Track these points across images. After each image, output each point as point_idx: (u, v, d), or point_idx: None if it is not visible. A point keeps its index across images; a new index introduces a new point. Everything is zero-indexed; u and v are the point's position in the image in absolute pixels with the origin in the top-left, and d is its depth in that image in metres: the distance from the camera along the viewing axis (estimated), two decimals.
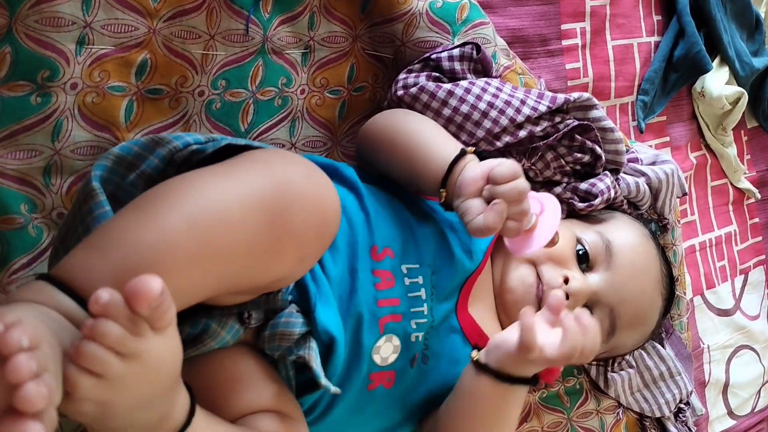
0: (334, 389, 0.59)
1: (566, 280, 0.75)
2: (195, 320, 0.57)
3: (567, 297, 0.74)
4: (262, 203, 0.50)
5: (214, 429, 0.54)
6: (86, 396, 0.40)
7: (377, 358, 0.67)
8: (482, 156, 0.68)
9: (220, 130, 0.75)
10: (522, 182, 0.61)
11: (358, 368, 0.65)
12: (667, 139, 1.19)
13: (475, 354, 0.68)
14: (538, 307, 0.75)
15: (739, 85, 1.22)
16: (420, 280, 0.70)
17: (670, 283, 0.90)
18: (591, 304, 0.78)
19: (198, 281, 0.48)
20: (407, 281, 0.69)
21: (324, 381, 0.59)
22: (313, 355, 0.59)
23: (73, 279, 0.45)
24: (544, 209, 0.66)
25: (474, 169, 0.63)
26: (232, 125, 0.75)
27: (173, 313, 0.42)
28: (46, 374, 0.37)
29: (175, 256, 0.46)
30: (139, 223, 0.47)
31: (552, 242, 0.64)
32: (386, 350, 0.67)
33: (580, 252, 0.79)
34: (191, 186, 0.50)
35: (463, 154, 0.67)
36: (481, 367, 0.67)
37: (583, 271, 0.78)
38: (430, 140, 0.71)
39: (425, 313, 0.70)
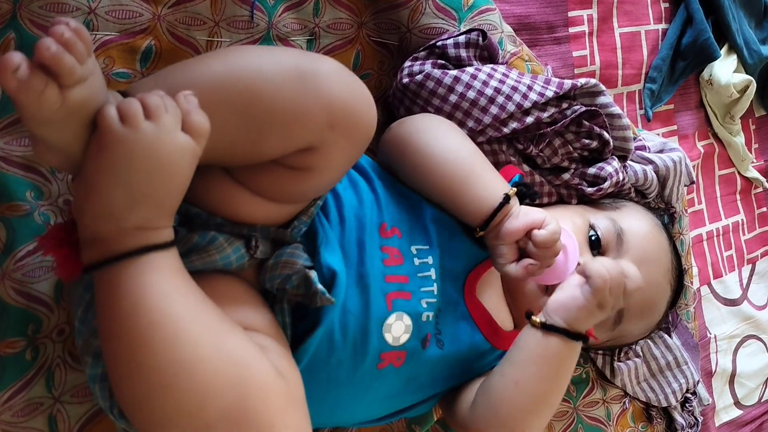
0: (328, 297, 0.60)
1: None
2: (205, 231, 0.58)
3: None
4: (297, 63, 0.55)
5: (187, 285, 0.52)
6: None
7: (389, 337, 0.67)
8: (522, 193, 0.72)
9: None
10: (558, 245, 0.68)
11: (367, 343, 0.65)
12: (675, 127, 1.19)
13: (536, 318, 0.68)
14: (545, 294, 0.75)
15: (747, 73, 1.21)
16: (429, 260, 0.70)
17: (679, 275, 0.89)
18: None
19: (229, 120, 0.53)
20: (417, 261, 0.70)
21: (319, 286, 0.59)
22: (312, 274, 0.60)
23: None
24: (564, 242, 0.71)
25: (516, 223, 0.68)
26: None
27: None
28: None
29: (211, 85, 0.53)
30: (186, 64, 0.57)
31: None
32: (398, 329, 0.67)
33: (593, 238, 0.79)
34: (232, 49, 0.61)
35: (506, 200, 0.69)
36: (549, 328, 0.67)
37: (595, 257, 0.78)
38: (473, 178, 0.71)
39: (435, 293, 0.70)
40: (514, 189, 0.70)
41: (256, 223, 0.61)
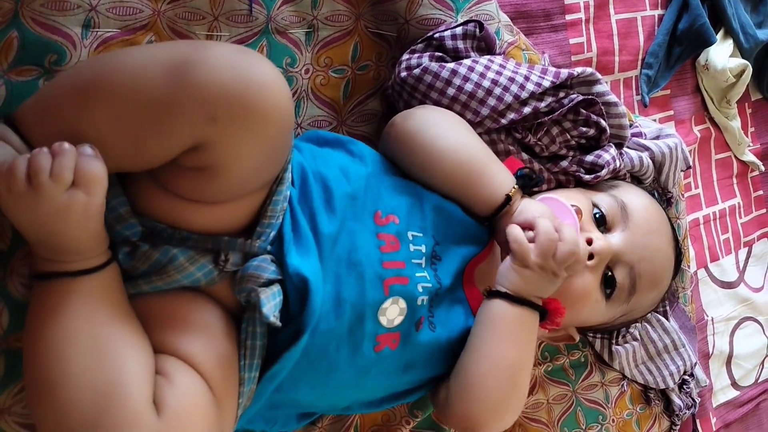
0: (273, 320, 0.59)
1: (589, 242, 0.76)
2: (168, 247, 0.59)
3: (591, 257, 0.76)
4: (169, 56, 0.54)
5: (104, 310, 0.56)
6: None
7: (383, 320, 0.68)
8: (526, 183, 0.76)
9: None
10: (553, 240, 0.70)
11: (362, 328, 0.67)
12: (672, 112, 1.19)
13: (484, 289, 0.73)
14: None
15: (743, 58, 1.22)
16: (423, 248, 0.72)
17: (677, 245, 0.91)
18: (612, 264, 0.79)
19: (107, 124, 0.54)
20: (412, 247, 0.71)
21: (265, 310, 0.59)
22: (268, 292, 0.60)
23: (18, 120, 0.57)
24: (561, 215, 0.74)
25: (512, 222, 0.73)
26: None
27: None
28: None
29: (81, 91, 0.54)
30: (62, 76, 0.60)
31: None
32: (392, 312, 0.69)
33: (597, 215, 0.80)
34: (105, 54, 0.61)
35: (508, 200, 0.73)
36: (493, 293, 0.72)
37: (602, 232, 0.80)
38: (479, 176, 0.74)
39: (428, 278, 0.71)
40: (515, 187, 0.73)
41: (215, 231, 0.61)
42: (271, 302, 0.60)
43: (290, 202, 0.65)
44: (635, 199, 0.84)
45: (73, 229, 0.53)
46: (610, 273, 0.79)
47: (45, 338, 0.53)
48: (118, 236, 0.59)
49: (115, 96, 0.53)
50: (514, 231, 0.71)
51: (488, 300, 0.72)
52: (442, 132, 0.75)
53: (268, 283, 0.61)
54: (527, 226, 0.71)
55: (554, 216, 0.73)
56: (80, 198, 0.52)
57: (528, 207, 0.73)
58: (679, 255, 0.91)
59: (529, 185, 0.76)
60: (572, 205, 0.77)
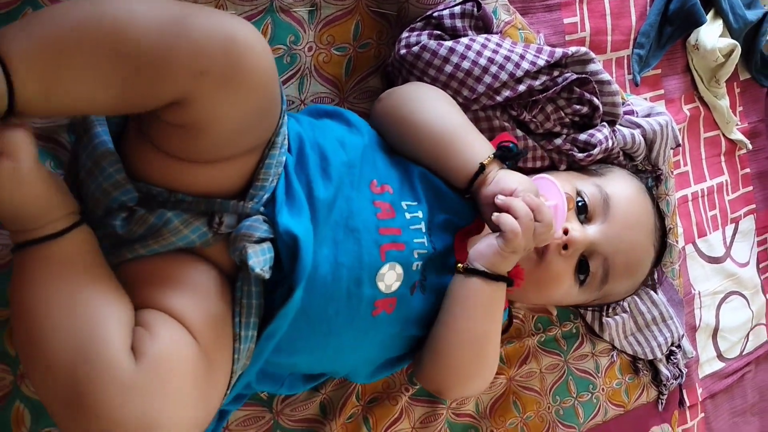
0: (259, 272, 0.60)
1: (566, 231, 0.79)
2: (163, 211, 0.61)
3: (566, 247, 0.79)
4: (178, 10, 0.53)
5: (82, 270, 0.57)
6: None
7: (381, 285, 0.70)
8: (505, 155, 0.76)
9: None
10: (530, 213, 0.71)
11: (360, 292, 0.69)
12: (662, 91, 1.21)
13: (461, 265, 0.75)
14: (539, 257, 0.80)
15: (732, 38, 1.23)
16: (419, 214, 0.74)
17: (663, 235, 0.93)
18: (587, 253, 0.82)
19: (99, 62, 0.52)
20: (408, 215, 0.73)
21: (251, 262, 0.60)
22: (257, 247, 0.61)
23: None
24: (550, 195, 0.76)
25: (487, 192, 0.74)
26: None
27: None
28: None
29: (77, 23, 0.52)
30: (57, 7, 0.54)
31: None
32: (390, 278, 0.71)
33: (580, 203, 0.82)
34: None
35: (482, 170, 0.74)
36: (471, 271, 0.74)
37: (582, 222, 0.82)
38: (456, 145, 0.76)
39: (425, 244, 0.74)
40: (491, 156, 0.74)
41: (208, 193, 0.62)
42: (259, 257, 0.61)
43: (286, 168, 0.66)
44: (621, 191, 0.86)
45: (10, 197, 0.53)
46: (585, 260, 0.82)
47: (23, 302, 0.55)
48: (114, 202, 0.60)
49: (118, 35, 0.51)
50: (508, 221, 0.71)
51: (466, 278, 0.74)
52: (419, 105, 0.77)
53: (260, 241, 0.62)
54: (504, 198, 0.72)
55: (536, 190, 0.73)
56: (6, 165, 0.52)
57: (505, 177, 0.74)
58: (662, 246, 0.93)
59: (508, 157, 0.77)
60: (565, 193, 0.78)
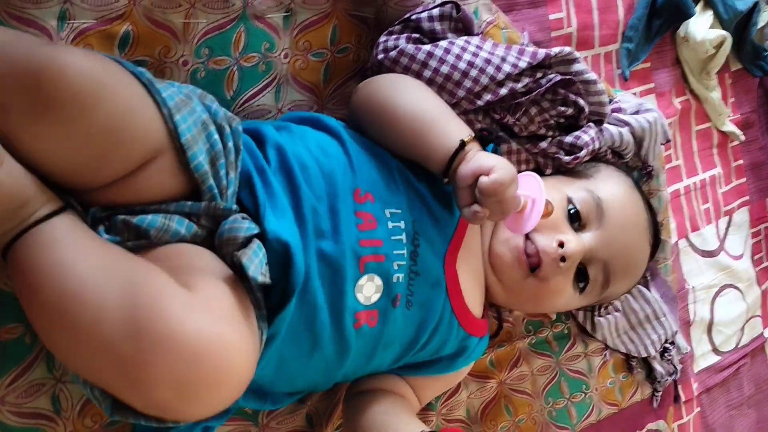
0: (262, 279, 0.59)
1: (561, 244, 0.77)
2: (140, 218, 0.60)
3: (563, 260, 0.77)
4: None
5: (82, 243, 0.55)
6: None
7: (360, 297, 0.69)
8: (484, 138, 0.74)
9: None
10: (506, 194, 0.67)
11: (343, 303, 0.68)
12: (652, 85, 1.20)
13: None
14: (531, 272, 0.78)
15: (722, 29, 1.22)
16: (402, 224, 0.72)
17: (655, 229, 0.92)
18: (585, 261, 0.81)
19: None
20: (390, 225, 0.72)
21: (251, 273, 0.58)
22: (248, 252, 0.59)
23: None
24: (531, 189, 0.72)
25: (465, 169, 0.68)
26: (217, 93, 0.75)
27: None
28: None
29: None
30: None
31: (547, 214, 0.71)
32: (369, 289, 0.70)
33: (572, 211, 0.81)
34: None
35: (462, 146, 0.70)
36: None
37: (576, 230, 0.80)
38: (435, 127, 0.73)
39: (405, 255, 0.72)
40: (472, 135, 0.72)
41: (163, 198, 0.61)
42: (254, 260, 0.60)
43: (263, 172, 0.66)
44: (612, 192, 0.84)
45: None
46: (583, 268, 0.81)
47: (45, 270, 0.52)
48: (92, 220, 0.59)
49: None
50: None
51: None
52: (396, 91, 0.75)
53: (246, 242, 0.61)
54: (481, 173, 0.67)
55: (514, 172, 0.68)
56: None
57: (483, 156, 0.70)
58: (656, 240, 0.93)
59: (486, 140, 0.74)
60: (547, 200, 0.73)
